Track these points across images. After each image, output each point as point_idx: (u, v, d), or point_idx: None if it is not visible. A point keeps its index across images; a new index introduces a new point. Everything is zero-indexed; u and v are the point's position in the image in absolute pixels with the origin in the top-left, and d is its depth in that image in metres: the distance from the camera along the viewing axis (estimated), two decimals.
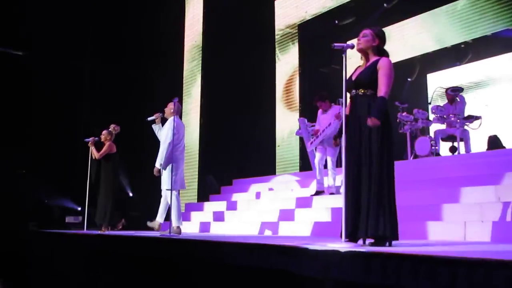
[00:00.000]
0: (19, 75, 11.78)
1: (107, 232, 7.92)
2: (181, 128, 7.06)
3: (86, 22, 12.50)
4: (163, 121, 7.22)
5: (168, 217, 6.97)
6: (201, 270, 4.57)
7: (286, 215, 7.58)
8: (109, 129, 8.62)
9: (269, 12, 12.54)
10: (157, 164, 6.95)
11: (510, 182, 5.72)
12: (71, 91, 12.40)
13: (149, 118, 7.36)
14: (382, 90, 3.98)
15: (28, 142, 11.67)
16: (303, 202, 7.77)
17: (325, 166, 7.85)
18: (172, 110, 7.05)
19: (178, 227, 6.85)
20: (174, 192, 6.77)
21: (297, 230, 6.88)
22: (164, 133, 6.99)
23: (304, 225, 6.84)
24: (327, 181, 7.74)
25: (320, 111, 8.07)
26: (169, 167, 6.78)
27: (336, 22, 11.40)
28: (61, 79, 12.11)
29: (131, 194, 11.79)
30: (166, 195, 6.90)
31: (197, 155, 12.62)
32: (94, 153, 8.59)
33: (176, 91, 11.75)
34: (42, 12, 11.68)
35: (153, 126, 7.32)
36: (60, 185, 11.90)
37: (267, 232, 7.31)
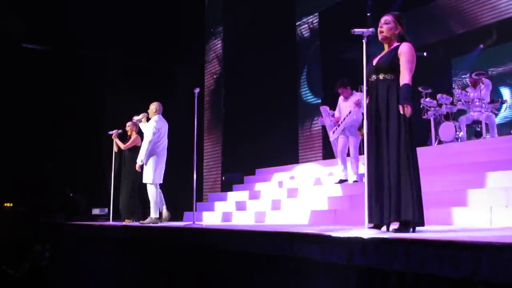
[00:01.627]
0: (45, 70, 11.96)
1: (131, 223, 8.01)
2: (163, 127, 7.54)
3: (108, 14, 12.58)
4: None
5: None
6: (224, 259, 4.60)
7: (307, 204, 7.57)
8: (133, 121, 8.66)
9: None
10: (139, 161, 7.43)
11: None
12: (93, 83, 12.53)
13: (135, 118, 7.96)
14: (406, 77, 3.92)
15: (54, 135, 11.86)
16: (321, 191, 7.77)
17: (348, 154, 7.81)
18: (155, 110, 7.59)
19: (156, 218, 7.36)
20: (153, 186, 7.37)
21: (319, 219, 6.87)
22: (146, 131, 7.49)
23: (325, 214, 6.84)
24: (351, 169, 7.70)
25: (341, 98, 8.00)
26: (150, 163, 7.33)
27: (369, 14, 11.27)
28: (83, 73, 12.25)
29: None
30: (148, 188, 7.40)
31: (221, 146, 12.68)
32: (119, 144, 8.66)
33: (197, 82, 11.78)
34: (64, 6, 11.81)
35: (140, 124, 7.84)
36: (86, 177, 12.07)
37: (288, 221, 7.30)
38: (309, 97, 12.34)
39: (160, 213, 7.54)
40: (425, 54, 11.05)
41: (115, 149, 8.77)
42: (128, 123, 8.67)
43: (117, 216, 8.71)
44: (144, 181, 7.50)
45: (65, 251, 8.99)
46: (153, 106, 7.65)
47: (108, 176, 8.93)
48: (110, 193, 8.80)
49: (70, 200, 12.10)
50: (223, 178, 12.13)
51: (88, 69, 12.46)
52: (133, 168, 7.78)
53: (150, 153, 7.41)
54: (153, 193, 7.39)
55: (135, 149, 8.51)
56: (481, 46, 10.84)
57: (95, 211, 11.24)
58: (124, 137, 8.80)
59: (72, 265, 8.47)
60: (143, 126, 7.72)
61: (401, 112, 3.84)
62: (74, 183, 12.12)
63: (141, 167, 7.48)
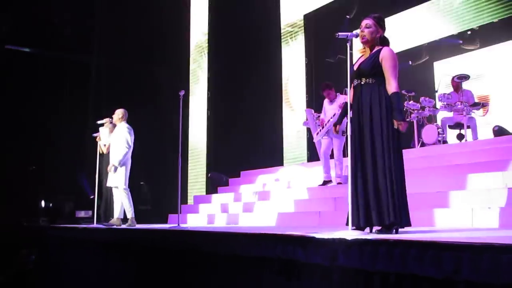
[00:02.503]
0: (28, 72, 11.87)
1: (115, 226, 7.98)
2: (133, 133, 7.73)
3: (92, 16, 12.54)
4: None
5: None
6: (209, 261, 4.61)
7: (291, 206, 7.62)
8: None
9: (274, 3, 12.52)
10: (116, 163, 7.53)
11: None
12: (78, 87, 12.46)
13: (99, 122, 8.29)
14: (393, 84, 3.98)
15: (37, 138, 11.76)
16: (306, 193, 7.82)
17: (332, 156, 7.87)
18: (122, 116, 7.75)
19: (133, 218, 7.51)
20: (127, 189, 7.57)
21: (303, 220, 6.91)
22: (118, 137, 7.63)
23: (309, 215, 6.88)
24: (335, 171, 7.76)
25: (326, 100, 8.08)
26: (123, 168, 7.51)
27: (348, 16, 11.37)
28: (67, 75, 12.18)
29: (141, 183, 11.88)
30: (121, 192, 7.54)
31: (205, 149, 12.67)
32: (102, 148, 8.65)
33: (182, 85, 11.76)
34: (48, 8, 11.74)
35: (101, 129, 8.22)
36: (70, 180, 11.99)
37: (271, 223, 7.34)
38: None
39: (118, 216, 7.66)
40: (410, 63, 11.18)
41: (99, 151, 8.75)
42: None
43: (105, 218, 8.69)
44: (116, 185, 7.60)
45: (50, 254, 8.92)
46: (121, 113, 7.79)
47: (92, 179, 8.89)
48: (94, 195, 8.77)
49: (55, 203, 12.00)
50: (209, 175, 12.13)
51: (72, 71, 12.38)
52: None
53: (126, 158, 7.58)
54: (127, 196, 7.56)
55: None
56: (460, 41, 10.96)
57: (79, 214, 11.17)
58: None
59: (56, 268, 8.41)
60: (105, 131, 8.13)
61: (395, 127, 3.91)
62: (57, 186, 12.03)
63: (115, 169, 7.59)
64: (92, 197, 9.77)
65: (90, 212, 10.83)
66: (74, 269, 7.66)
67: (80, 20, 12.18)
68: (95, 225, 8.59)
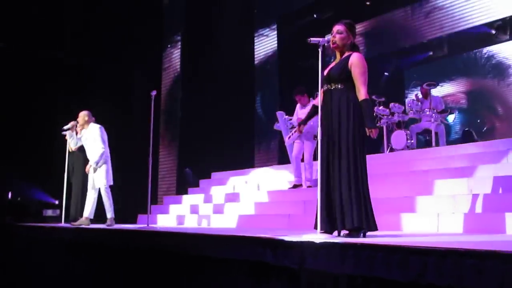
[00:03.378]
0: None
1: (83, 226, 7.89)
2: (105, 131, 7.79)
3: (64, 13, 12.36)
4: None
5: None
6: (177, 262, 4.60)
7: (261, 208, 7.66)
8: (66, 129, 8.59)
9: (250, 3, 12.57)
10: (94, 165, 7.59)
11: (481, 174, 5.86)
12: (46, 83, 12.26)
13: (65, 127, 8.32)
14: (362, 91, 4.02)
15: (4, 135, 11.54)
16: (276, 196, 7.86)
17: (303, 160, 7.92)
18: (87, 118, 7.84)
19: (113, 219, 7.59)
20: (108, 188, 7.61)
21: (272, 223, 6.96)
22: (91, 139, 7.67)
23: (278, 218, 6.93)
24: (305, 175, 7.81)
25: (298, 105, 8.13)
26: (103, 168, 7.55)
27: (315, 16, 11.48)
28: (37, 72, 11.98)
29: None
30: (103, 192, 7.57)
31: (177, 149, 12.63)
32: (71, 145, 8.54)
33: (155, 84, 11.69)
34: (18, 3, 11.54)
35: (67, 133, 8.32)
36: (36, 178, 11.80)
37: (241, 225, 7.36)
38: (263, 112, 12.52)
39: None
40: (386, 74, 11.35)
41: (69, 149, 8.63)
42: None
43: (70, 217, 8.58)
44: (97, 186, 7.59)
45: (15, 253, 8.76)
46: (85, 115, 7.86)
47: (61, 177, 8.76)
48: (63, 194, 8.65)
49: (21, 202, 11.79)
50: (185, 169, 12.11)
51: (41, 68, 12.18)
52: (83, 169, 7.80)
53: (105, 158, 7.61)
54: (107, 195, 7.58)
55: (84, 150, 8.42)
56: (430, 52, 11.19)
57: (47, 213, 11.00)
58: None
59: (22, 268, 8.26)
60: (73, 135, 8.24)
61: (367, 134, 3.99)
62: (25, 184, 11.83)
63: (94, 170, 7.59)
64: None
65: (58, 211, 10.67)
66: (40, 269, 7.54)
67: (50, 15, 11.98)
68: (63, 224, 8.48)
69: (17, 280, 8.27)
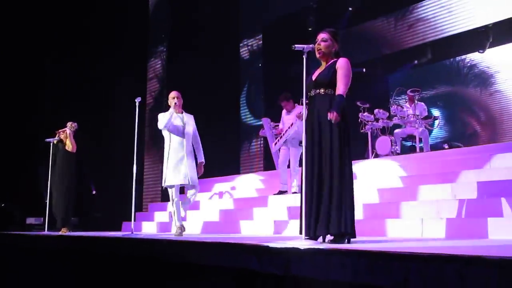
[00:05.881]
0: None
1: (67, 233, 7.83)
2: None
3: (46, 18, 12.27)
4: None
5: None
6: (162, 269, 4.58)
7: (245, 214, 7.65)
8: (67, 127, 8.50)
9: (235, 12, 12.59)
10: None
11: (465, 180, 5.91)
12: (28, 90, 12.15)
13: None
14: (340, 88, 4.04)
15: None
16: (263, 201, 7.86)
17: (288, 166, 7.93)
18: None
19: None
20: None
21: (258, 229, 6.96)
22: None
23: (263, 224, 6.92)
24: (290, 181, 7.81)
25: (284, 111, 8.14)
26: None
27: (310, 29, 11.55)
28: (18, 77, 11.88)
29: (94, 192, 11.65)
30: None
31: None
32: (68, 144, 8.45)
33: (139, 90, 11.64)
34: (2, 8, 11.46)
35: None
36: (20, 186, 11.66)
37: (228, 230, 7.35)
38: (248, 117, 12.51)
39: None
40: (364, 70, 11.41)
41: (52, 157, 8.54)
42: (64, 130, 8.50)
43: (53, 225, 8.50)
44: None
45: None
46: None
47: (44, 185, 8.69)
48: (46, 202, 8.57)
49: (4, 210, 11.65)
50: None
51: (26, 75, 12.08)
52: (68, 174, 7.74)
53: None
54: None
55: (70, 155, 8.36)
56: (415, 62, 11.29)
57: (30, 221, 10.88)
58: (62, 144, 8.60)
59: (4, 277, 8.15)
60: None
61: (330, 117, 3.94)
62: (8, 191, 11.69)
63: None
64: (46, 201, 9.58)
65: (41, 219, 10.56)
66: (23, 278, 7.45)
67: (35, 21, 11.89)
68: (46, 232, 8.40)
69: None
